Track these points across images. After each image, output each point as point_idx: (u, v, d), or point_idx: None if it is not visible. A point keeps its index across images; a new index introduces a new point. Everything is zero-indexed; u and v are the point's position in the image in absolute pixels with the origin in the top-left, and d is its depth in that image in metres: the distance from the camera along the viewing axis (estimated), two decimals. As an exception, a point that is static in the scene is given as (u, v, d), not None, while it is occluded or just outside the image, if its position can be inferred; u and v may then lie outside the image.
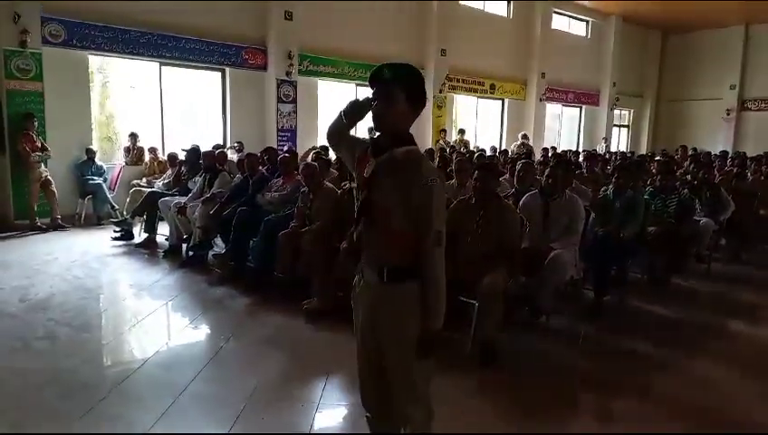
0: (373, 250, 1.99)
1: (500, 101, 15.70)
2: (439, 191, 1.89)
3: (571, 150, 13.25)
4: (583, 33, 17.95)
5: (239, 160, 7.48)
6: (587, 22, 17.80)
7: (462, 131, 13.33)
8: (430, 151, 9.50)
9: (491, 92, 15.09)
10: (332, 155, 8.83)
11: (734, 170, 8.13)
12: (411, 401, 2.00)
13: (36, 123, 7.80)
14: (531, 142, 14.68)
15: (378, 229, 1.94)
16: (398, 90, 1.91)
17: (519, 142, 13.80)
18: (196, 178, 6.79)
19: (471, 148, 12.04)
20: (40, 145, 7.77)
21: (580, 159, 10.54)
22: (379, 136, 2.00)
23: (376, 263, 1.97)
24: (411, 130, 2.00)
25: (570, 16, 17.24)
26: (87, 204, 8.42)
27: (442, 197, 1.93)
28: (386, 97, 1.92)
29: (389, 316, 1.96)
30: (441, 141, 12.36)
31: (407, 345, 1.93)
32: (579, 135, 18.43)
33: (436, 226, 1.87)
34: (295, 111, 11.10)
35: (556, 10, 16.39)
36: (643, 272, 5.52)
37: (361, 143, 2.10)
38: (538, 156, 11.73)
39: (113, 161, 9.47)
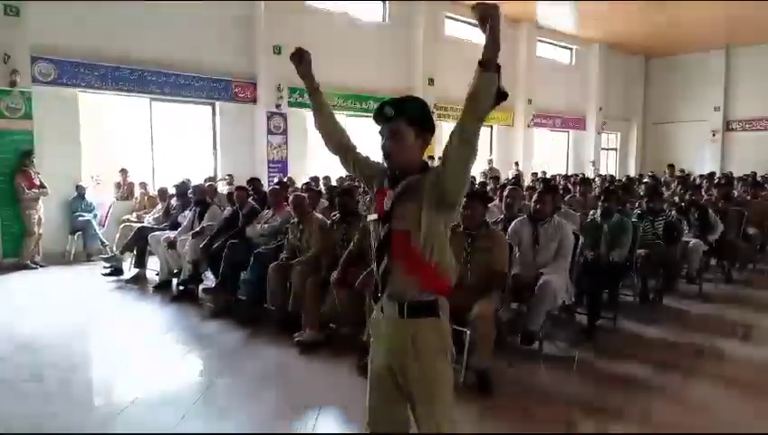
0: (395, 285, 1.92)
1: (488, 128, 15.88)
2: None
3: (560, 175, 13.39)
4: (568, 60, 18.32)
5: (229, 193, 7.50)
6: (571, 49, 18.18)
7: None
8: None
9: (479, 119, 15.27)
10: (322, 186, 8.89)
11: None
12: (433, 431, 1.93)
13: (35, 161, 7.81)
14: (521, 168, 14.85)
15: (400, 260, 1.89)
16: (405, 124, 1.89)
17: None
18: (186, 213, 6.79)
19: None
20: (38, 183, 7.78)
21: (571, 182, 10.66)
22: (392, 169, 1.96)
23: (397, 298, 1.92)
24: None
25: (554, 44, 17.61)
26: (77, 240, 8.37)
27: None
28: (393, 134, 1.89)
29: (413, 353, 1.90)
30: None
31: (431, 380, 1.90)
32: (567, 159, 18.64)
33: None
34: (286, 143, 11.19)
35: (540, 38, 16.75)
36: (634, 294, 5.52)
37: (379, 171, 2.05)
38: (528, 181, 11.84)
39: (103, 197, 9.45)
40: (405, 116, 1.89)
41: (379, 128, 1.97)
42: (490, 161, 14.46)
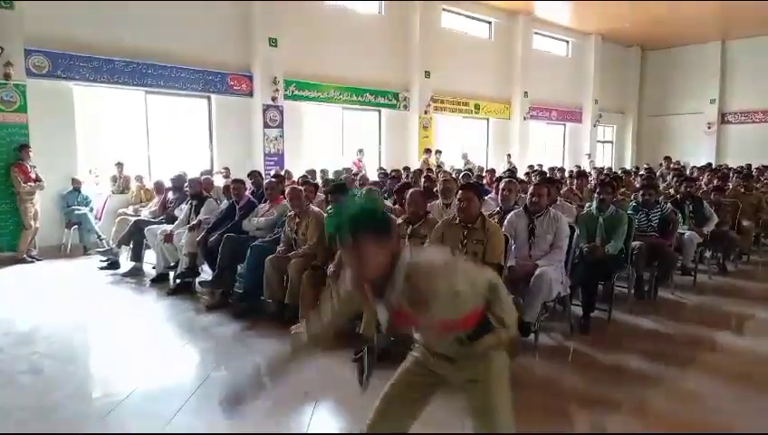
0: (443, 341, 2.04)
1: (485, 121, 15.89)
2: (462, 267, 1.94)
3: (556, 167, 13.36)
4: (564, 53, 18.30)
5: (225, 186, 7.49)
6: (567, 42, 18.15)
7: (439, 152, 13.30)
8: (418, 172, 9.53)
9: (476, 112, 15.29)
10: (319, 179, 8.91)
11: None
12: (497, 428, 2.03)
13: (32, 154, 7.78)
14: (514, 160, 14.84)
15: (446, 328, 1.99)
16: (364, 239, 1.79)
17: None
18: (183, 206, 6.78)
19: (446, 168, 11.85)
20: (34, 177, 7.76)
21: (566, 174, 10.67)
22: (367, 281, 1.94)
23: (453, 338, 2.01)
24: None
25: (550, 36, 17.58)
26: (73, 234, 8.36)
27: (467, 266, 1.99)
28: (356, 254, 1.81)
29: (480, 363, 2.03)
30: (425, 161, 12.36)
31: (495, 381, 2.05)
32: (564, 152, 18.66)
33: (488, 278, 1.97)
34: (282, 136, 11.17)
35: (537, 31, 16.72)
36: (629, 286, 5.55)
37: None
38: (521, 174, 11.77)
39: (100, 190, 9.43)
40: (362, 231, 1.80)
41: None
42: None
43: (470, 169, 11.00)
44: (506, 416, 2.03)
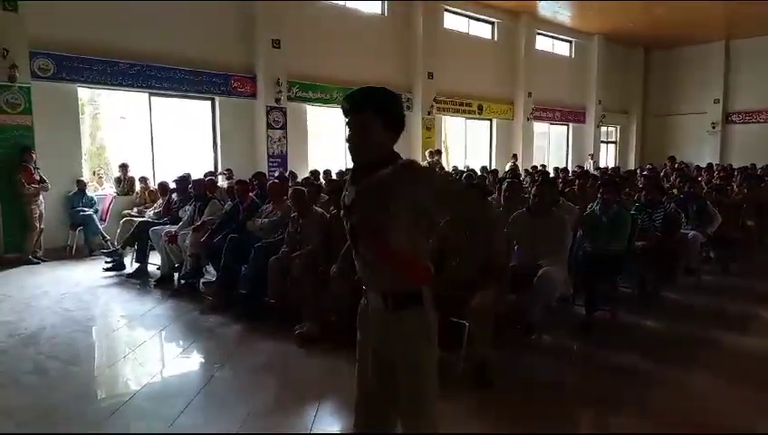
0: (373, 275, 1.92)
1: (488, 122, 15.89)
2: (433, 173, 1.84)
3: (559, 168, 13.35)
4: (567, 53, 18.28)
5: (229, 187, 7.52)
6: (570, 42, 18.13)
7: (438, 152, 13.16)
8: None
9: (479, 113, 15.29)
10: (323, 179, 8.92)
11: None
12: (418, 418, 1.94)
13: (35, 156, 7.83)
14: (519, 161, 14.83)
15: (373, 253, 1.86)
16: (372, 116, 1.80)
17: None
18: (187, 207, 6.80)
19: (447, 169, 11.76)
20: (38, 178, 7.80)
21: (569, 175, 10.66)
22: (358, 163, 1.90)
23: (379, 288, 1.91)
24: (402, 150, 1.93)
25: (553, 37, 17.56)
26: (78, 235, 8.40)
27: (440, 176, 1.87)
28: (360, 126, 1.81)
29: (399, 343, 1.90)
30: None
31: (416, 368, 1.89)
32: (567, 152, 18.63)
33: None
34: (285, 137, 11.20)
35: (539, 31, 16.71)
36: (633, 286, 5.53)
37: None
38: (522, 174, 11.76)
39: (104, 191, 9.48)
40: (372, 107, 1.81)
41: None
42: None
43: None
44: (430, 411, 1.92)
